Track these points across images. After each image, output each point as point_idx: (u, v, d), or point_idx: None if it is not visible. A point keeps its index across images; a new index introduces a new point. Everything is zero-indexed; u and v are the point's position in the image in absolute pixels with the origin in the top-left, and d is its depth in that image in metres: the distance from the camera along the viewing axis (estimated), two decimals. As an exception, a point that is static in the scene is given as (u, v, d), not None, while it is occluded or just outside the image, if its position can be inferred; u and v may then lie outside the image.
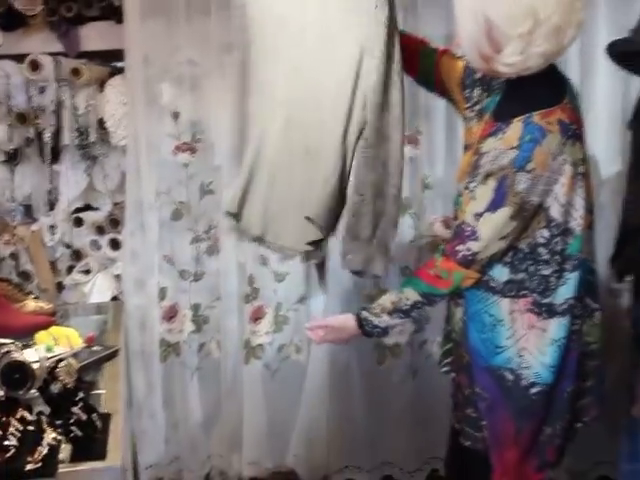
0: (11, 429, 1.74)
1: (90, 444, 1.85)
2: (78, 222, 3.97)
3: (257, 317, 3.74)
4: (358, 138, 2.37)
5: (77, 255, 4.00)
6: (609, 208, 3.25)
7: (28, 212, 4.04)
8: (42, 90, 3.80)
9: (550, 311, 2.27)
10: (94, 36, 3.82)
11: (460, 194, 2.36)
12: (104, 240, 3.97)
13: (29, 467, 1.70)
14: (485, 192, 2.19)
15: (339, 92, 2.34)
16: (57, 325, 2.54)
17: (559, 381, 2.32)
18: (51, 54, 3.76)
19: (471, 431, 2.48)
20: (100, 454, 1.86)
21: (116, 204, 3.99)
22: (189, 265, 3.76)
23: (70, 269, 3.99)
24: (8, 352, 1.98)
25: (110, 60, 3.93)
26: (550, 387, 2.31)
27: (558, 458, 2.43)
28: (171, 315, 3.79)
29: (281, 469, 3.88)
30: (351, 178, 2.41)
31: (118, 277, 3.90)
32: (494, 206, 2.18)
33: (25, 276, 3.92)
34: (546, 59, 2.14)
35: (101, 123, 3.80)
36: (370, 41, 2.30)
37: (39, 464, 1.73)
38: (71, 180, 3.92)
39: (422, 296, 2.34)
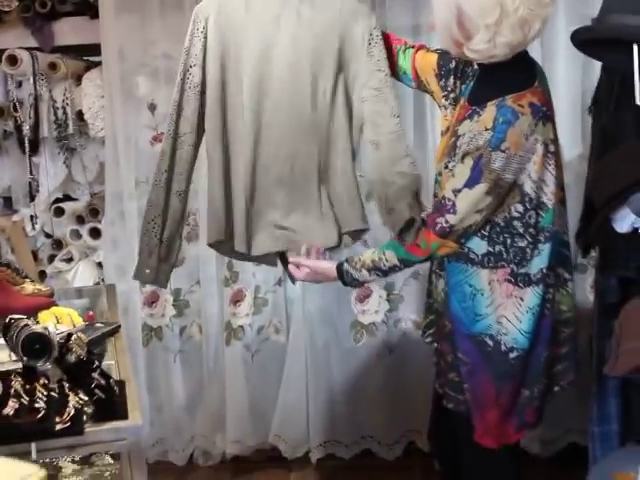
0: (38, 394, 1.87)
1: (111, 406, 2.00)
2: (58, 212, 4.07)
3: (237, 300, 3.86)
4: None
5: (58, 244, 4.10)
6: (573, 189, 3.41)
7: (8, 203, 4.16)
8: (20, 84, 3.92)
9: (526, 281, 2.41)
10: (68, 31, 3.92)
11: (440, 173, 2.51)
12: (84, 229, 4.06)
13: (59, 427, 1.83)
14: (463, 170, 2.34)
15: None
16: (57, 306, 2.65)
17: (535, 346, 2.46)
18: (26, 49, 3.84)
19: (454, 394, 2.61)
20: (122, 414, 2.01)
21: (95, 194, 4.10)
22: (169, 251, 3.87)
23: (52, 258, 4.09)
24: (27, 325, 2.10)
25: (84, 54, 4.02)
26: (527, 352, 2.45)
27: (537, 419, 2.58)
28: (153, 300, 3.91)
29: (264, 447, 4.02)
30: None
31: (100, 264, 4.02)
32: (471, 183, 2.32)
33: (7, 266, 4.00)
34: (511, 49, 2.28)
35: (79, 115, 3.89)
36: None
37: (67, 424, 1.87)
38: (50, 171, 4.02)
39: (400, 261, 2.49)
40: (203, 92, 2.61)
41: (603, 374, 2.70)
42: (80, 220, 4.09)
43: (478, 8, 2.23)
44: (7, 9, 3.81)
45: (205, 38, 2.58)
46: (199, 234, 3.82)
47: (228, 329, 3.87)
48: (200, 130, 2.65)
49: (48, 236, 4.11)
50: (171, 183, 2.70)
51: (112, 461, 2.66)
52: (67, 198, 4.16)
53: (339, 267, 2.57)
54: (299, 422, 3.94)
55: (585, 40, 2.48)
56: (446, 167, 2.45)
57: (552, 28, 3.45)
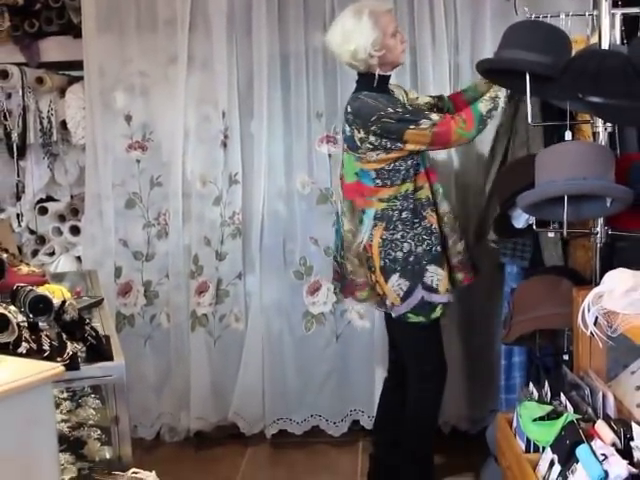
0: (42, 341, 2.32)
1: (100, 351, 2.49)
2: (42, 211, 4.51)
3: (201, 291, 4.28)
4: None
5: (42, 240, 4.55)
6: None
7: (-4, 203, 4.60)
8: (9, 96, 4.35)
9: None
10: (53, 49, 4.40)
11: None
12: (65, 227, 4.51)
13: (60, 363, 2.23)
14: None
15: None
16: (49, 284, 3.09)
17: None
18: (16, 64, 4.30)
19: None
20: (109, 357, 2.51)
21: (75, 195, 4.55)
22: (141, 247, 4.33)
23: (35, 252, 4.53)
24: (32, 290, 2.59)
25: (68, 70, 4.48)
26: None
27: None
28: (126, 291, 4.34)
29: (224, 423, 4.40)
30: None
31: (79, 258, 4.45)
32: None
33: (5, 251, 4.40)
34: None
35: (62, 125, 4.35)
36: None
37: (67, 361, 2.32)
38: (36, 174, 4.47)
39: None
40: None
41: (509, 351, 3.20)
42: (62, 218, 4.55)
43: None
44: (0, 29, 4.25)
45: None
46: (168, 232, 4.26)
47: (193, 317, 4.29)
48: None
49: (32, 232, 4.56)
50: None
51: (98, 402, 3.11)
52: (50, 199, 4.62)
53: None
54: (256, 401, 4.31)
55: (487, 69, 2.97)
56: None
57: (480, 53, 3.90)
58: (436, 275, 3.29)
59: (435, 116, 3.19)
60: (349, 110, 3.28)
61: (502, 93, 3.17)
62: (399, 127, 3.15)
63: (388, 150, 3.21)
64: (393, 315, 3.35)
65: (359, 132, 3.21)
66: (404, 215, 3.28)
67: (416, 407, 3.48)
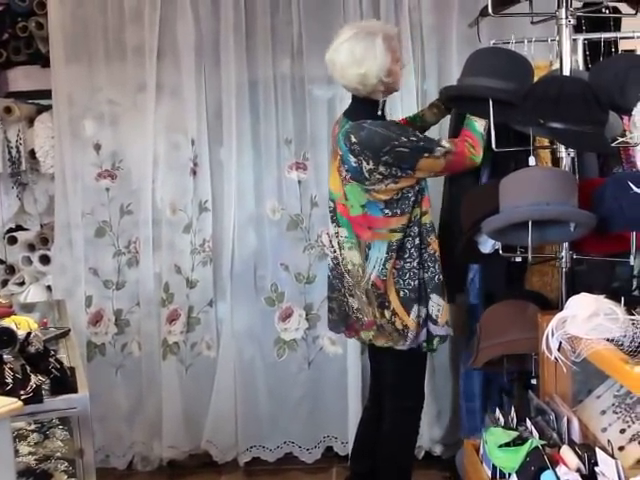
0: (5, 374, 2.32)
1: (64, 383, 2.48)
2: (11, 241, 4.49)
3: (172, 319, 4.28)
4: None
5: (11, 270, 4.52)
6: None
7: (-35, 233, 4.57)
8: (-23, 126, 4.33)
9: None
10: (22, 78, 4.44)
11: None
12: (35, 256, 4.48)
13: (23, 397, 2.26)
14: None
15: None
16: (15, 315, 3.08)
17: None
18: (-18, 94, 4.30)
19: None
20: (73, 389, 2.49)
21: (44, 225, 4.53)
22: (112, 276, 4.31)
23: (5, 282, 4.50)
24: None
25: (36, 99, 4.47)
26: None
27: None
28: (97, 320, 4.32)
29: (197, 452, 4.38)
30: None
31: (49, 287, 4.42)
32: None
33: (-38, 289, 4.41)
34: None
35: (31, 154, 4.34)
36: None
37: (30, 394, 2.32)
38: (4, 204, 4.47)
39: None
40: None
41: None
42: (31, 248, 4.51)
43: None
44: (-34, 58, 4.25)
45: None
46: (139, 260, 4.26)
47: (164, 345, 4.28)
48: None
49: (2, 262, 4.54)
50: None
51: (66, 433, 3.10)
52: (20, 228, 4.60)
53: None
54: (228, 429, 4.31)
55: (450, 96, 3.00)
56: None
57: (447, 79, 3.94)
58: (437, 305, 3.19)
59: (446, 143, 3.07)
60: (354, 140, 3.05)
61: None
62: (413, 155, 3.02)
63: (397, 178, 3.06)
64: (406, 347, 3.22)
65: (368, 163, 3.03)
66: (416, 241, 3.16)
67: (395, 441, 3.42)
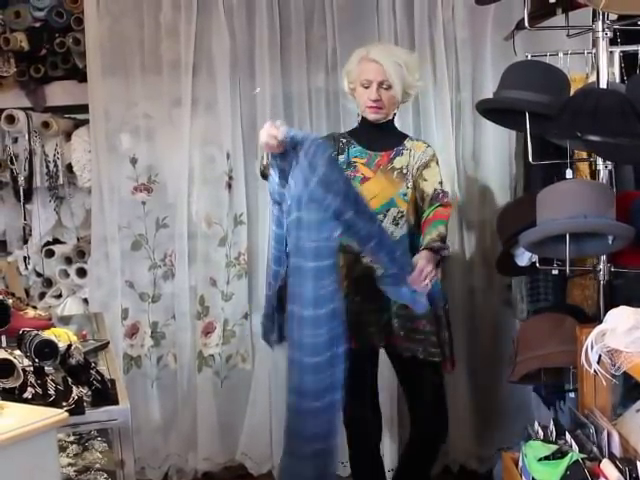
0: (48, 386, 2.35)
1: (105, 395, 2.50)
2: (49, 254, 4.53)
3: (208, 331, 4.30)
4: None
5: (48, 282, 4.56)
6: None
7: (3, 246, 4.64)
8: (16, 140, 4.39)
9: None
10: (59, 93, 4.45)
11: (405, 194, 3.28)
12: (72, 269, 4.52)
13: (66, 408, 2.27)
14: (434, 171, 3.27)
15: None
16: (55, 327, 3.12)
17: None
18: (22, 109, 4.34)
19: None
20: (114, 401, 2.52)
21: (81, 238, 4.57)
22: (148, 288, 4.32)
23: (42, 295, 4.54)
24: (37, 334, 2.60)
25: (73, 113, 4.54)
26: None
27: None
28: (133, 332, 4.33)
29: (232, 464, 4.39)
30: None
31: (86, 300, 4.46)
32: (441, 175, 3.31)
33: (12, 295, 4.42)
34: None
35: (68, 168, 4.38)
36: None
37: (72, 406, 2.34)
38: (42, 217, 4.50)
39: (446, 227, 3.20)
40: None
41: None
42: (68, 261, 4.55)
43: None
44: (5, 74, 4.31)
45: None
46: (174, 273, 4.27)
47: (200, 358, 4.30)
48: None
49: (39, 275, 4.58)
50: None
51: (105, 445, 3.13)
52: (57, 241, 4.64)
53: (431, 250, 3.13)
54: (264, 441, 4.32)
55: (487, 109, 3.01)
56: (407, 187, 3.26)
57: (480, 93, 3.97)
58: None
59: None
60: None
61: None
62: None
63: None
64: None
65: None
66: None
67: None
